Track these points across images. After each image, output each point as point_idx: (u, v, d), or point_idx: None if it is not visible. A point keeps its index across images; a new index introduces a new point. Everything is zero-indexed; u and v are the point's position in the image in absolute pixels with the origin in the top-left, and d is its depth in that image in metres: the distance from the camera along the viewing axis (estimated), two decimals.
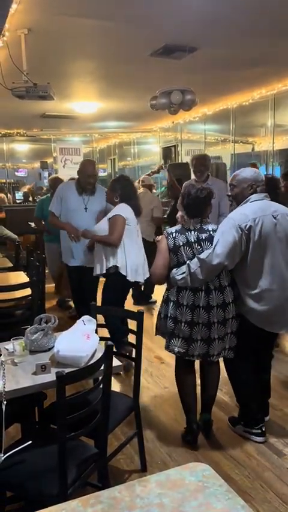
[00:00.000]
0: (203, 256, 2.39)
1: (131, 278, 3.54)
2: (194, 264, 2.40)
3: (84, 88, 6.71)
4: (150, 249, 4.15)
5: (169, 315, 2.56)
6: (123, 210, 3.54)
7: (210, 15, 3.92)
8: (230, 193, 2.67)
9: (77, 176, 4.19)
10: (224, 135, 9.53)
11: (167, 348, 2.61)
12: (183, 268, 2.44)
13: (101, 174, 12.73)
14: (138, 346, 2.39)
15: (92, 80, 6.17)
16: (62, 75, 5.77)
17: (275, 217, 2.48)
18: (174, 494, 1.14)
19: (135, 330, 2.37)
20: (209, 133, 10.02)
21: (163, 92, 5.31)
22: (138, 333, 2.36)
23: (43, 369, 1.89)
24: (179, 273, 2.46)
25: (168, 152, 10.64)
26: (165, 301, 2.63)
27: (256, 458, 2.53)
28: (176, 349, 2.56)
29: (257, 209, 2.49)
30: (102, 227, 3.60)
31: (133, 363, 2.47)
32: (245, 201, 2.56)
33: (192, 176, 4.87)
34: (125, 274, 3.52)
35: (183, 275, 2.42)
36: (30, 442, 1.76)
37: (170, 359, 3.88)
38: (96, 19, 3.98)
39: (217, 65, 5.61)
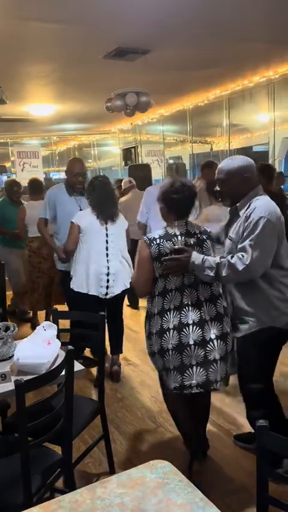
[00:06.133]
0: (239, 266, 2.01)
1: (76, 288, 3.33)
2: (225, 269, 2.04)
3: (39, 91, 6.63)
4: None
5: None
6: (77, 216, 3.40)
7: (161, 17, 3.98)
8: (219, 189, 2.22)
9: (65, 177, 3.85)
10: (183, 135, 9.67)
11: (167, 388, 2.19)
12: (211, 263, 2.06)
13: (62, 176, 12.60)
14: (101, 349, 2.39)
15: (47, 82, 6.11)
16: (16, 78, 5.68)
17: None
18: (135, 493, 1.16)
19: (97, 333, 2.38)
20: (168, 134, 10.13)
21: (118, 94, 5.34)
22: (100, 336, 2.37)
23: (3, 378, 1.86)
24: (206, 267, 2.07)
25: (128, 153, 10.68)
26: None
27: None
28: (172, 385, 2.14)
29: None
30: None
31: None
32: (256, 195, 2.15)
33: None
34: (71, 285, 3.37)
35: (210, 273, 2.07)
36: None
37: (137, 359, 3.90)
38: (47, 22, 3.94)
39: (171, 67, 5.69)
